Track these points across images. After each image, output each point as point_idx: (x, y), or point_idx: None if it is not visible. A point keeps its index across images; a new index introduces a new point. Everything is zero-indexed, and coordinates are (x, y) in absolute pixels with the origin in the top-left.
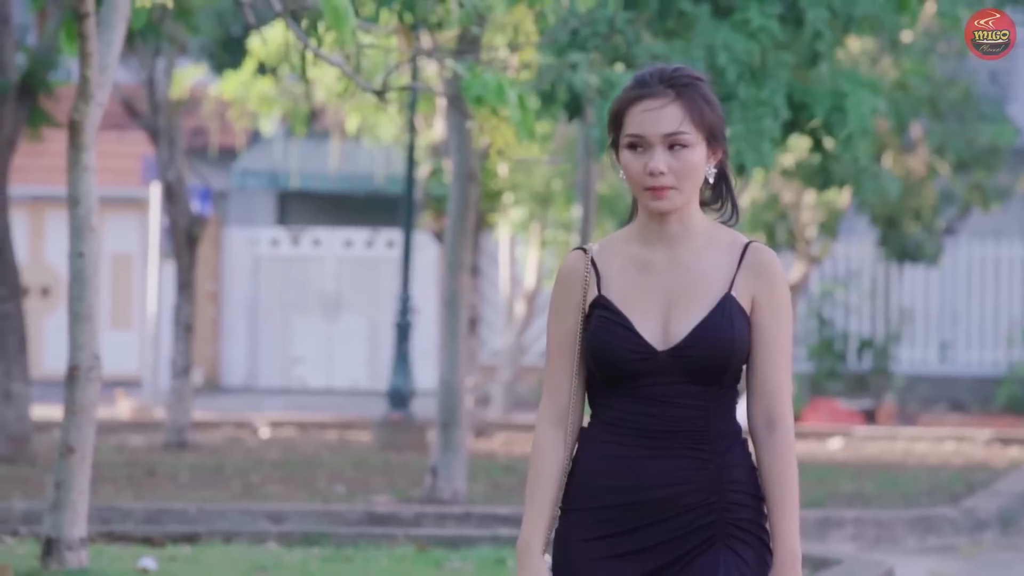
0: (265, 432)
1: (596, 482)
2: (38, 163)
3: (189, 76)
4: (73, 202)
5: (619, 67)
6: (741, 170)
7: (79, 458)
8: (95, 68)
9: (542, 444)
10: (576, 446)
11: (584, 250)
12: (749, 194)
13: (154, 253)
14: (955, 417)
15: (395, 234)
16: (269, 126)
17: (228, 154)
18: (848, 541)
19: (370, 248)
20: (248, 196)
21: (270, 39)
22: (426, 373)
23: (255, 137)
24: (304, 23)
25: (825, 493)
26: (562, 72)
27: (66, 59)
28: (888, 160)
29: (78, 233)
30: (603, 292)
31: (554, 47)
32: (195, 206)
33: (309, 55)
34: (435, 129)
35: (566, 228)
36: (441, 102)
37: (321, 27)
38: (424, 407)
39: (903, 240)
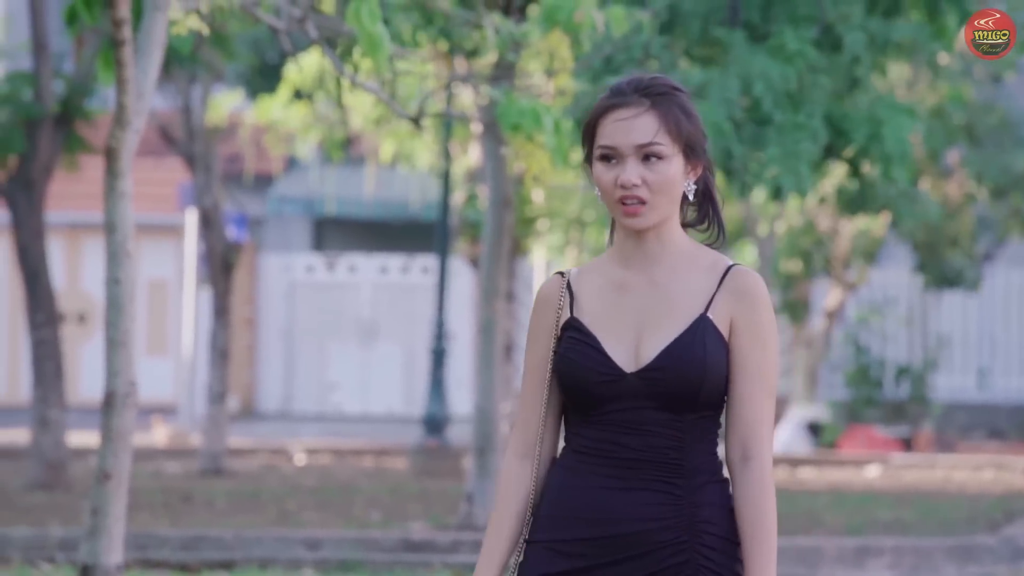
0: (301, 459)
1: (562, 513)
2: (75, 189)
3: (225, 103)
4: (109, 228)
5: None
6: (778, 194)
7: (115, 484)
8: (132, 95)
9: (506, 477)
10: (546, 477)
11: (562, 274)
12: (786, 221)
13: (190, 279)
14: (993, 444)
15: (430, 260)
16: (305, 152)
17: (264, 180)
18: (886, 569)
19: (405, 274)
20: (284, 222)
21: (306, 66)
22: (461, 399)
23: (291, 163)
24: (339, 50)
25: (863, 521)
26: (597, 98)
27: (103, 86)
28: (925, 186)
29: (114, 259)
30: (575, 314)
31: (589, 73)
32: (231, 232)
33: (345, 82)
34: (470, 155)
35: (601, 254)
36: (477, 128)
37: (356, 54)
38: (460, 433)
39: (941, 266)
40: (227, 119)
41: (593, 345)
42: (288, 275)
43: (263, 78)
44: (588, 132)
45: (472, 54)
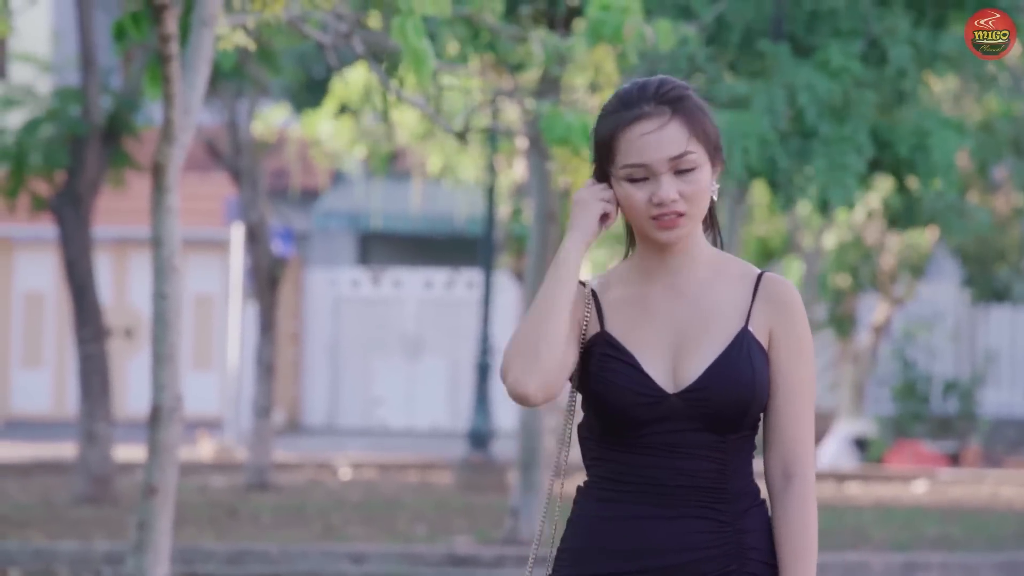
0: (346, 473)
1: (598, 545)
2: (122, 205)
3: (272, 117)
4: (156, 243)
5: None
6: (824, 207)
7: (162, 499)
8: (178, 110)
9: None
10: (571, 508)
11: (582, 283)
12: (834, 234)
13: (236, 294)
14: None
15: (476, 275)
16: (351, 167)
17: (310, 195)
18: None
19: (450, 289)
20: (329, 237)
21: (352, 81)
22: (507, 414)
23: (336, 178)
24: (385, 65)
25: (910, 537)
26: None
27: (150, 101)
28: (973, 200)
29: (161, 274)
30: (606, 327)
31: None
32: (277, 247)
33: (390, 97)
34: (515, 170)
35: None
36: (522, 143)
37: (402, 68)
38: (504, 448)
39: (989, 281)
40: (273, 134)
41: (631, 363)
42: (333, 290)
43: (309, 93)
44: (604, 150)
45: (517, 68)
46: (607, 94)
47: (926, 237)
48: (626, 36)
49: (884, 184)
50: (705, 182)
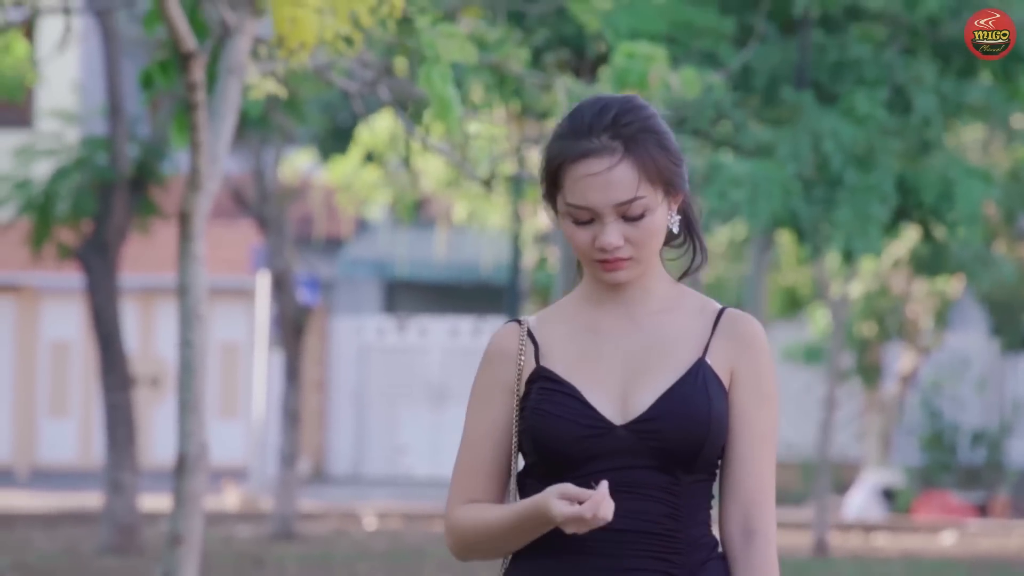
0: (371, 522)
1: None
2: (148, 253)
3: (297, 164)
4: (182, 291)
5: (725, 153)
6: (849, 256)
7: (187, 548)
8: (205, 158)
9: (464, 511)
10: (505, 567)
11: (519, 322)
12: (860, 283)
13: (261, 342)
14: None
15: (501, 323)
16: (376, 215)
17: (335, 243)
18: None
19: (476, 337)
20: (355, 285)
21: (378, 128)
22: None
23: (362, 226)
24: (411, 112)
25: None
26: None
27: (176, 149)
28: (1000, 249)
29: (187, 322)
30: (543, 363)
31: None
32: (302, 295)
33: (416, 144)
34: (541, 218)
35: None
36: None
37: (428, 116)
38: None
39: (1017, 330)
40: (299, 181)
41: (571, 394)
42: (359, 338)
43: (335, 140)
44: (550, 178)
45: (543, 116)
46: None
47: (953, 286)
48: (651, 84)
49: (910, 233)
50: (656, 225)
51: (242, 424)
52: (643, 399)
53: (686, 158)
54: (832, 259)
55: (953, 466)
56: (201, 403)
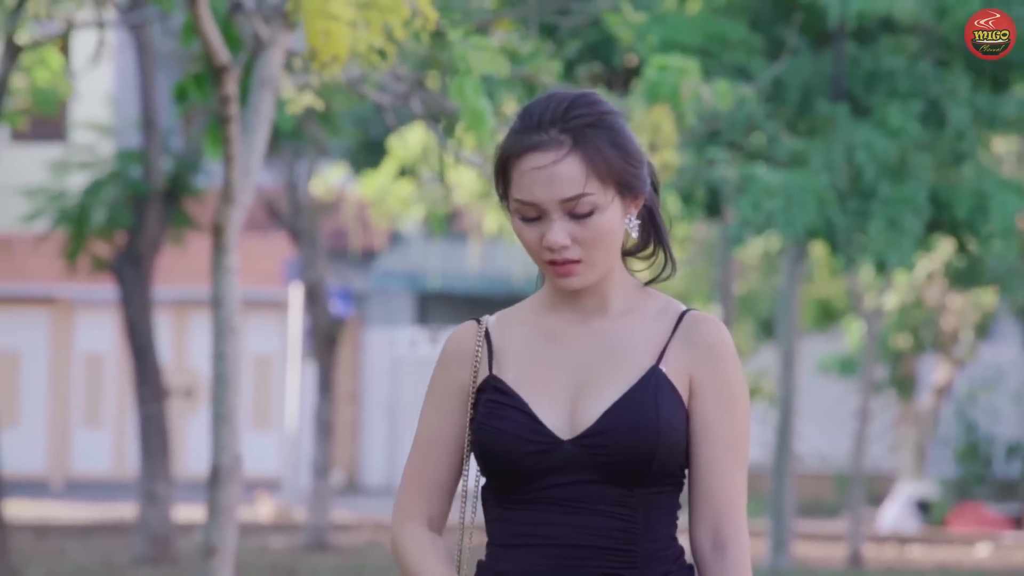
0: None
1: None
2: (181, 265)
3: (330, 178)
4: (216, 303)
5: (758, 165)
6: (882, 268)
7: (221, 559)
8: (238, 171)
9: (414, 543)
10: None
11: (478, 321)
12: (895, 295)
13: (294, 354)
14: None
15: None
16: (409, 227)
17: (368, 255)
18: None
19: None
20: (387, 297)
21: (410, 141)
22: None
23: (395, 238)
24: (443, 125)
25: None
26: (700, 171)
27: (209, 162)
28: None
29: (220, 334)
30: (495, 371)
31: (693, 146)
32: (335, 307)
33: (448, 157)
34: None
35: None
36: None
37: (460, 129)
38: None
39: None
40: (332, 194)
41: (519, 408)
42: (392, 350)
43: (368, 153)
44: (500, 174)
45: None
46: (666, 154)
47: (988, 298)
48: (683, 97)
49: (945, 245)
50: (607, 226)
51: (275, 436)
52: (590, 412)
53: (646, 159)
54: (866, 271)
55: (988, 478)
56: (234, 415)
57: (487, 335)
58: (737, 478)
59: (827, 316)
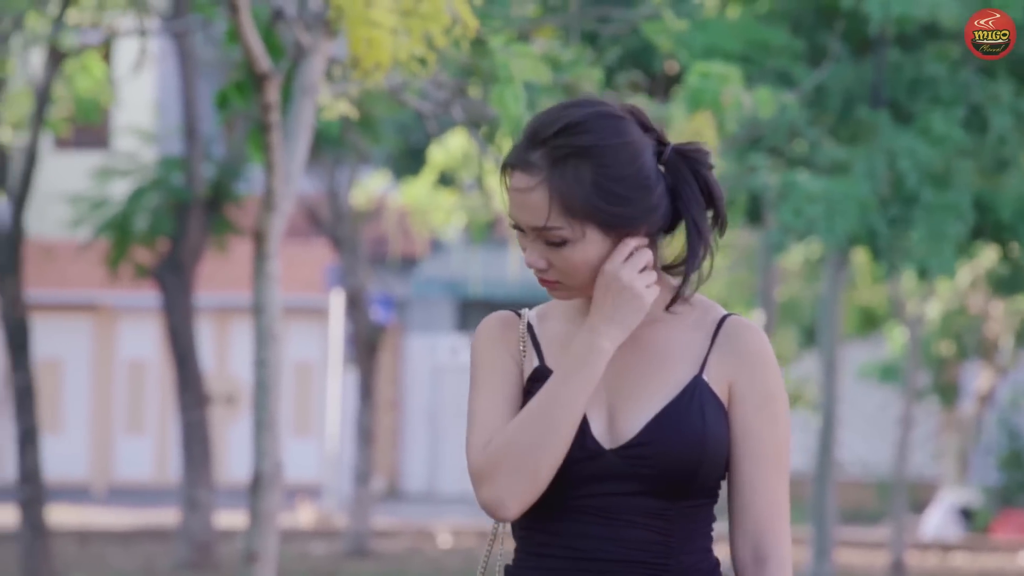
0: (446, 540)
1: None
2: (223, 272)
3: (372, 185)
4: (257, 310)
5: (800, 171)
6: (924, 275)
7: (262, 565)
8: (279, 178)
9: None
10: None
11: (518, 313)
12: (938, 301)
13: (335, 361)
14: None
15: None
16: (450, 234)
17: (409, 262)
18: None
19: None
20: (428, 304)
21: (451, 148)
22: None
23: (436, 245)
24: (484, 132)
25: None
26: (742, 177)
27: (251, 169)
28: None
29: (262, 341)
30: (547, 363)
31: (735, 153)
32: (376, 314)
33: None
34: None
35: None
36: None
37: (501, 136)
38: None
39: None
40: (373, 201)
41: None
42: (432, 356)
43: (409, 160)
44: (501, 178)
45: None
46: None
47: None
48: (725, 104)
49: (988, 251)
50: (578, 259)
51: (316, 442)
52: (634, 422)
53: (643, 196)
54: (908, 278)
55: None
56: (276, 421)
57: (530, 328)
58: (779, 490)
59: (869, 323)
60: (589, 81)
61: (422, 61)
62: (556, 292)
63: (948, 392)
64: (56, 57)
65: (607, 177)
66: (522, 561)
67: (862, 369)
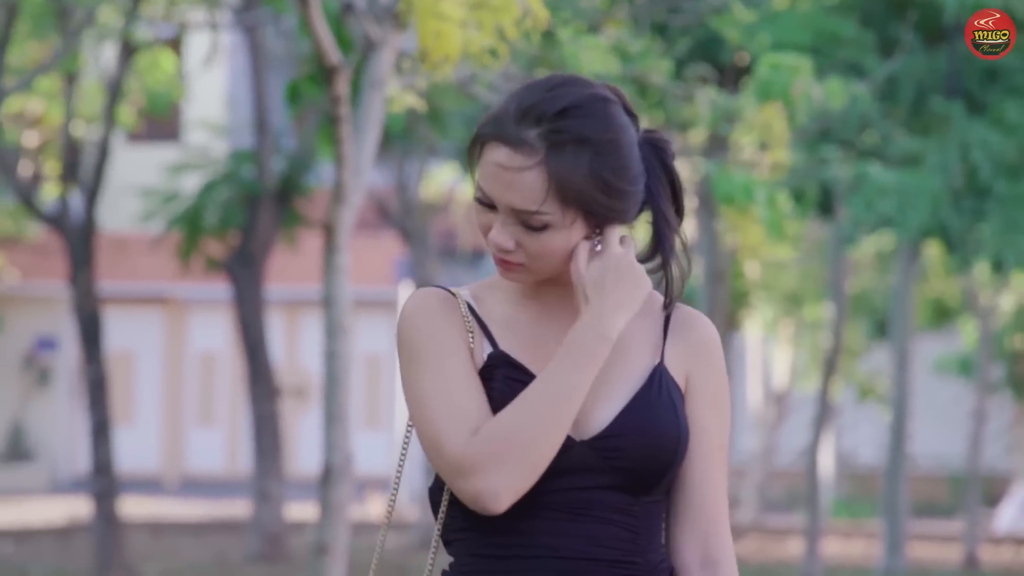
0: None
1: None
2: (293, 264)
3: (441, 178)
4: (327, 303)
5: (872, 163)
6: (998, 268)
7: (333, 558)
8: (349, 171)
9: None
10: None
11: (449, 291)
12: (1013, 294)
13: None
14: None
15: None
16: None
17: (477, 255)
18: None
19: None
20: None
21: None
22: None
23: None
24: None
25: None
26: (812, 169)
27: (321, 162)
28: None
29: (331, 333)
30: (502, 347)
31: (805, 144)
32: None
33: None
34: (684, 229)
35: (816, 328)
36: (690, 202)
37: None
38: None
39: None
40: (442, 194)
41: None
42: None
43: None
44: (472, 149)
45: (686, 127)
46: (777, 153)
47: None
48: (795, 96)
49: None
50: (557, 245)
51: (386, 434)
52: (602, 412)
53: (635, 189)
54: (981, 270)
55: None
56: (346, 414)
57: (471, 309)
58: (725, 488)
59: (941, 315)
60: (658, 72)
61: (493, 53)
62: (515, 275)
63: (1021, 385)
64: (128, 51)
65: (605, 168)
66: (472, 566)
67: (935, 362)
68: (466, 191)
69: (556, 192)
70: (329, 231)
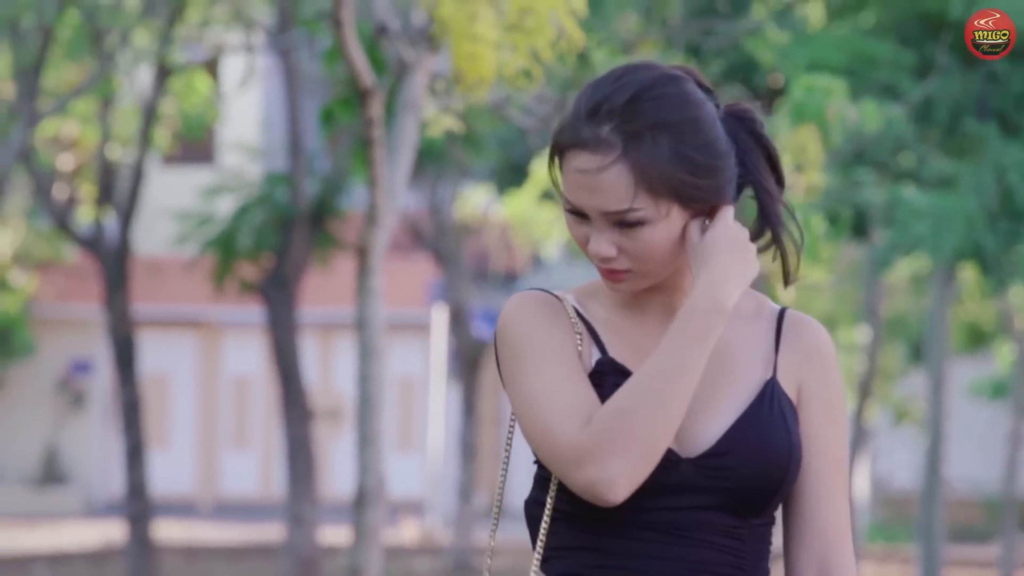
0: None
1: None
2: (326, 286)
3: (474, 199)
4: (361, 325)
5: (907, 186)
6: None
7: None
8: (382, 193)
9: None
10: None
11: (556, 296)
12: None
13: (438, 376)
14: None
15: None
16: (551, 249)
17: (511, 277)
18: None
19: None
20: None
21: None
22: None
23: (537, 260)
24: None
25: None
26: (847, 192)
27: (354, 184)
28: None
29: (365, 356)
30: (611, 353)
31: (839, 166)
32: (479, 329)
33: None
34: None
35: (852, 351)
36: None
37: None
38: None
39: None
40: (475, 216)
41: None
42: None
43: (511, 175)
44: (552, 160)
45: None
46: (811, 175)
47: None
48: (829, 118)
49: None
50: (657, 240)
51: (419, 458)
52: (710, 428)
53: (724, 164)
54: (1017, 292)
55: None
56: (379, 437)
57: (578, 313)
58: (845, 502)
59: (977, 338)
60: None
61: (528, 75)
62: (624, 284)
63: None
64: (163, 74)
65: (688, 147)
66: None
67: (973, 385)
68: (499, 212)
69: (643, 184)
70: (362, 253)
